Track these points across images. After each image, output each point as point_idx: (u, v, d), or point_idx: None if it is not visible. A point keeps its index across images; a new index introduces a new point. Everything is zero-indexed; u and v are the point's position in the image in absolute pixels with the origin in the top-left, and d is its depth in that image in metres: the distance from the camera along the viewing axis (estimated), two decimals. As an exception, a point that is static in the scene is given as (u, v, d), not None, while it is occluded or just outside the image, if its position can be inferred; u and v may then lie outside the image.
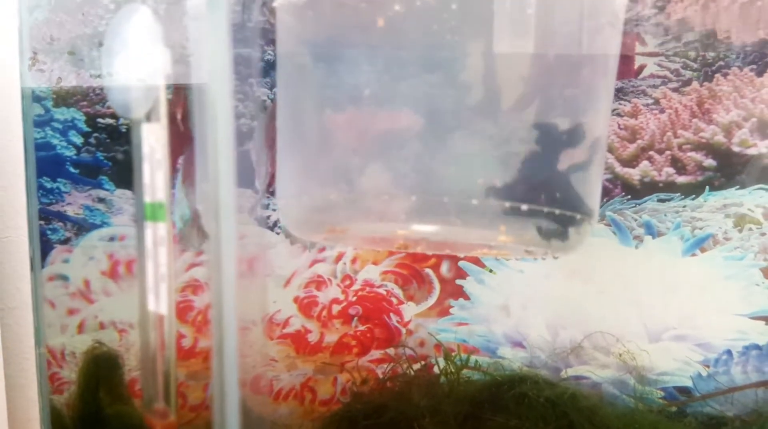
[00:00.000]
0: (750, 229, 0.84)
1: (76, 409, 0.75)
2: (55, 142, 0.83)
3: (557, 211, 0.51)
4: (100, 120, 0.83)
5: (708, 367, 0.84)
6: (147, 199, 0.40)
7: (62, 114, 0.82)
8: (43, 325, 0.65)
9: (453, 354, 0.82)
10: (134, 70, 0.38)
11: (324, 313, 0.87)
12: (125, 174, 0.84)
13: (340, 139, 0.51)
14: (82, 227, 0.85)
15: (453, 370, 0.78)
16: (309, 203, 0.53)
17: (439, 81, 0.50)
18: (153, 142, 0.39)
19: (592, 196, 0.53)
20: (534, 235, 0.52)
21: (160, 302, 0.40)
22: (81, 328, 0.85)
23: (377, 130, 0.50)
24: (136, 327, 0.83)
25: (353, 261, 0.87)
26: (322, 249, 0.87)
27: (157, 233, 0.40)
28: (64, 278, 0.86)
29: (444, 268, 0.87)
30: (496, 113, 0.51)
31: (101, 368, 0.75)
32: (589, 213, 0.53)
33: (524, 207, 0.50)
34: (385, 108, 0.51)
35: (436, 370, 0.84)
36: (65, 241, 0.85)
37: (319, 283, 0.87)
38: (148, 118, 0.39)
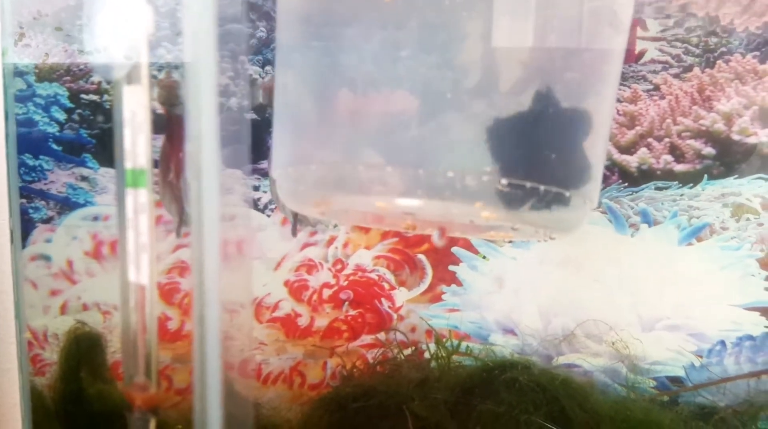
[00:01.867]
0: (747, 219, 0.83)
1: (57, 390, 0.73)
2: (37, 118, 0.81)
3: (542, 188, 0.50)
4: (83, 96, 0.81)
5: (701, 357, 0.84)
6: (128, 165, 0.38)
7: (45, 89, 0.79)
8: (23, 306, 0.63)
9: (444, 339, 0.81)
10: (115, 28, 0.36)
11: (314, 297, 0.86)
12: (109, 152, 0.82)
13: (336, 113, 0.50)
14: (65, 206, 0.83)
15: (444, 355, 0.77)
16: (301, 174, 0.52)
17: (437, 62, 0.49)
18: (134, 106, 0.37)
19: (588, 177, 0.52)
20: (521, 213, 0.50)
21: (141, 272, 0.38)
22: (63, 309, 0.84)
23: (374, 109, 0.49)
24: (120, 308, 0.81)
25: (345, 245, 0.85)
26: (314, 232, 0.85)
27: (138, 200, 0.38)
28: (47, 258, 0.84)
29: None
30: (492, 95, 0.50)
31: (83, 348, 0.74)
32: (584, 193, 0.52)
33: (505, 182, 0.49)
34: (383, 88, 0.50)
35: (426, 355, 0.83)
36: (47, 221, 0.84)
37: (310, 267, 0.86)
38: (129, 80, 0.37)
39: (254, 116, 0.81)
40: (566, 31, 0.50)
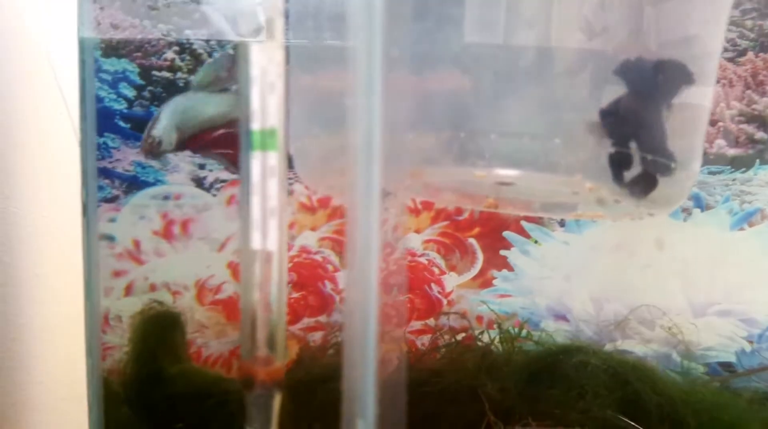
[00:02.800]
0: (800, 204, 0.83)
1: (130, 373, 0.71)
2: (102, 94, 0.77)
3: (649, 157, 0.49)
4: (155, 73, 0.78)
5: (752, 342, 0.83)
6: (255, 126, 0.36)
7: (112, 65, 0.76)
8: (96, 287, 0.61)
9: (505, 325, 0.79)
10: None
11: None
12: None
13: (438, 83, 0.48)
14: (132, 185, 0.80)
15: (505, 339, 0.76)
16: (319, 148, 0.51)
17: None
18: (265, 63, 0.35)
19: (692, 144, 0.51)
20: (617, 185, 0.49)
21: (268, 238, 0.36)
22: (128, 290, 0.81)
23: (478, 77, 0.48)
24: (191, 288, 0.78)
25: (394, 229, 0.84)
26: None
27: (267, 163, 0.36)
28: (110, 238, 0.81)
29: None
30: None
31: (160, 328, 0.71)
32: (688, 167, 0.51)
33: (610, 150, 0.48)
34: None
35: (480, 341, 0.82)
36: (112, 200, 0.80)
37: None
38: (260, 34, 0.35)
39: None
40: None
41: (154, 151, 0.76)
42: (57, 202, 0.78)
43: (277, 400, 0.38)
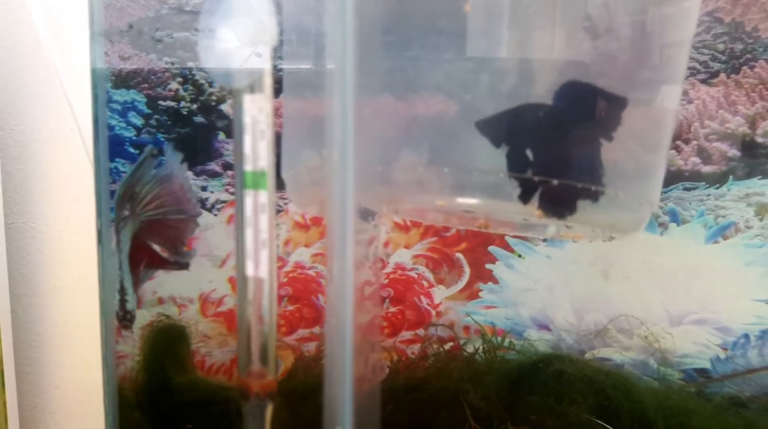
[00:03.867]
0: (771, 218, 0.86)
1: (141, 381, 0.75)
2: (113, 122, 0.83)
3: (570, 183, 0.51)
4: (161, 102, 0.83)
5: (726, 349, 0.87)
6: (248, 167, 0.41)
7: (121, 95, 0.82)
8: (110, 305, 0.65)
9: (490, 335, 0.84)
10: (240, 36, 0.39)
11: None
12: (186, 155, 0.85)
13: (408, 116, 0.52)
14: None
15: (489, 349, 0.80)
16: (308, 174, 0.54)
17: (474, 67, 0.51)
18: (256, 113, 0.40)
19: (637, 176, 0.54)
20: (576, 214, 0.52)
21: (260, 267, 0.40)
22: (139, 303, 0.86)
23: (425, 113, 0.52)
24: (195, 302, 0.83)
25: (385, 244, 0.88)
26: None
27: (258, 200, 0.40)
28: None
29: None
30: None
31: (167, 340, 0.76)
32: (640, 194, 0.54)
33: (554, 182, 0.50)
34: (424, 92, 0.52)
35: (465, 351, 0.86)
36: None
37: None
38: (252, 89, 0.39)
39: (202, 120, 0.84)
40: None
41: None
42: (72, 217, 0.82)
43: (269, 410, 0.43)
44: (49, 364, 0.85)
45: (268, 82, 0.40)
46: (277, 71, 0.41)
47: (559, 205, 0.49)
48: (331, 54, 0.35)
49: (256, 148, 0.41)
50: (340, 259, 0.38)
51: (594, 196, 0.50)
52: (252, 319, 0.42)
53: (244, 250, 0.41)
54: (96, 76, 0.67)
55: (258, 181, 0.41)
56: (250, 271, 0.41)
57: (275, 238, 0.40)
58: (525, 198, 0.50)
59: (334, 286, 0.37)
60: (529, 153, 0.49)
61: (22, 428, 0.84)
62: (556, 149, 0.50)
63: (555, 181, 0.49)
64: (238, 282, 0.42)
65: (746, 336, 0.87)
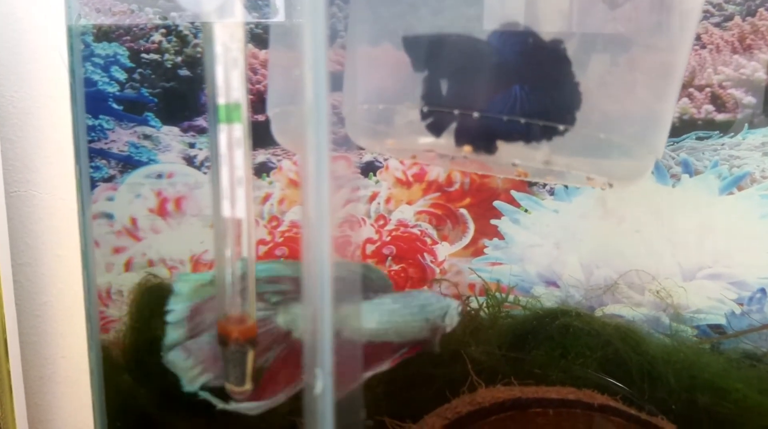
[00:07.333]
0: (789, 167, 0.83)
1: (128, 341, 0.75)
2: (96, 77, 0.81)
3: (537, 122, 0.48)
4: (144, 55, 0.81)
5: (742, 305, 0.84)
6: (221, 100, 0.38)
7: (103, 49, 0.79)
8: (92, 265, 0.64)
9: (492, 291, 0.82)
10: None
11: (357, 252, 0.86)
12: (172, 110, 0.82)
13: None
14: (127, 165, 0.83)
15: (492, 304, 0.78)
16: (369, 113, 0.52)
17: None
18: (227, 40, 0.37)
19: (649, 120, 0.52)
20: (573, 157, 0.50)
21: (236, 206, 0.38)
22: (128, 266, 0.84)
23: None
24: (187, 264, 0.82)
25: (387, 201, 0.86)
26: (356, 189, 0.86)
27: (233, 135, 0.38)
28: (109, 216, 0.84)
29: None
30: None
31: (154, 299, 0.75)
32: (646, 142, 0.51)
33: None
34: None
35: (469, 306, 0.84)
36: (109, 179, 0.84)
37: (352, 223, 0.86)
38: (222, 12, 0.37)
39: (187, 73, 0.81)
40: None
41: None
42: (74, 185, 0.81)
43: (250, 356, 0.41)
44: (55, 334, 0.84)
45: (239, 7, 0.38)
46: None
47: (479, 139, 0.47)
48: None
49: (228, 79, 0.38)
50: (316, 206, 0.36)
51: (525, 135, 0.47)
52: (230, 262, 0.40)
53: (220, 190, 0.39)
54: (72, 32, 0.64)
55: (231, 113, 0.39)
56: (226, 211, 0.39)
57: (251, 175, 0.38)
58: (436, 130, 0.47)
59: (310, 230, 0.36)
60: (443, 83, 0.46)
61: (28, 399, 0.84)
62: (477, 83, 0.47)
63: (475, 114, 0.46)
64: (215, 223, 0.40)
65: (762, 290, 0.85)
